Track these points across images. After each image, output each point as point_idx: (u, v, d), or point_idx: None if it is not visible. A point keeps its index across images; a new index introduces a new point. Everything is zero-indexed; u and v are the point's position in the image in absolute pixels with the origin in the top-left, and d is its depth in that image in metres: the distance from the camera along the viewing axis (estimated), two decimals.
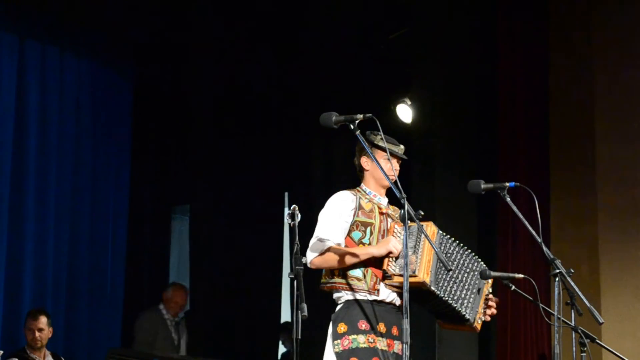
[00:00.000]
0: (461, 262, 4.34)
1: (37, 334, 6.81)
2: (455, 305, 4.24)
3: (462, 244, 4.40)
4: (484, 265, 4.43)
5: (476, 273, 4.37)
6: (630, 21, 6.78)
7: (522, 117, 7.01)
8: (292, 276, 3.93)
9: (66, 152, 7.97)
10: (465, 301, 4.30)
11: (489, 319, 4.52)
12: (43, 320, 6.83)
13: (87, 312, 8.02)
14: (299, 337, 3.84)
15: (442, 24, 7.33)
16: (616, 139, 6.68)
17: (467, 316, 4.31)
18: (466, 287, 4.31)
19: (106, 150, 8.38)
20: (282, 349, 9.06)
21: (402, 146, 4.50)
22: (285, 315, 9.05)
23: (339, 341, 4.20)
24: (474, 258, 4.40)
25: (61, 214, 7.85)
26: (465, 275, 4.32)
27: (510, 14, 7.13)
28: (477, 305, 4.37)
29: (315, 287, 4.37)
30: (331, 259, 4.21)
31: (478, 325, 4.42)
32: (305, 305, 3.82)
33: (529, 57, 7.04)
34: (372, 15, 7.75)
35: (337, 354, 4.19)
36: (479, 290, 4.39)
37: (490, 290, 4.50)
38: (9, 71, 7.55)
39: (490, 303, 4.48)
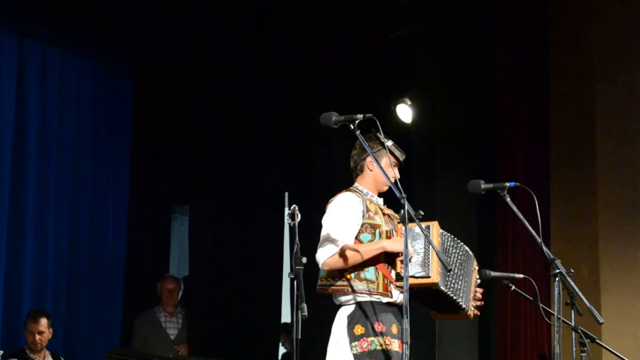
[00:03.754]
0: (456, 255, 4.37)
1: (38, 336, 6.79)
2: (455, 298, 4.27)
3: (454, 237, 4.42)
4: (470, 252, 4.45)
5: (465, 263, 4.39)
6: (630, 21, 6.78)
7: (522, 117, 7.02)
8: (292, 276, 3.94)
9: (66, 152, 7.97)
10: (461, 292, 4.32)
11: (481, 303, 4.52)
12: (43, 323, 6.81)
13: (87, 312, 8.02)
14: (299, 337, 3.84)
15: (442, 24, 7.32)
16: (616, 138, 6.69)
17: (463, 305, 4.33)
18: (460, 278, 4.34)
19: (106, 150, 8.38)
20: (282, 350, 9.06)
21: (404, 155, 4.53)
22: (285, 316, 9.05)
23: (356, 343, 4.19)
24: (463, 247, 4.43)
25: (61, 214, 7.85)
26: (459, 266, 4.36)
27: (510, 14, 7.13)
28: (469, 292, 4.40)
29: (314, 287, 4.36)
30: (345, 257, 4.17)
31: (471, 312, 4.44)
32: (305, 305, 3.82)
33: (529, 58, 7.04)
34: (372, 15, 7.75)
35: (355, 355, 4.17)
36: (469, 279, 4.41)
37: (478, 277, 4.51)
38: (9, 71, 7.54)
39: (477, 293, 4.50)
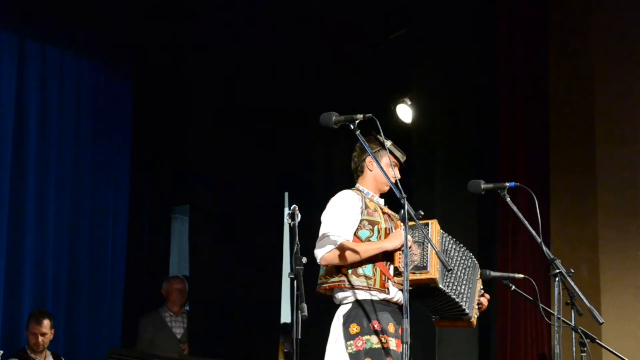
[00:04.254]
0: (458, 258, 4.37)
1: (41, 338, 6.79)
2: (457, 300, 4.26)
3: (457, 241, 4.42)
4: (476, 261, 4.46)
5: (470, 269, 4.39)
6: (630, 21, 6.78)
7: (522, 117, 7.01)
8: (292, 276, 3.94)
9: (66, 152, 7.97)
10: (464, 296, 4.32)
11: (483, 308, 4.54)
12: (46, 324, 6.81)
13: (87, 312, 8.01)
14: (299, 337, 3.84)
15: (442, 24, 7.32)
16: (616, 139, 6.69)
17: (467, 310, 4.33)
18: (464, 282, 4.34)
19: (106, 150, 8.38)
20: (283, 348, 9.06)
21: (405, 155, 4.54)
22: (285, 315, 9.04)
23: (352, 342, 4.19)
24: (468, 254, 4.44)
25: (61, 214, 7.85)
26: (463, 271, 4.36)
27: (510, 14, 7.13)
28: (473, 300, 4.40)
29: (314, 287, 4.37)
30: (343, 255, 4.18)
31: (474, 320, 4.44)
32: (305, 305, 3.82)
33: (529, 57, 7.04)
34: (372, 15, 7.75)
35: (350, 354, 4.18)
36: (473, 286, 4.41)
37: (482, 286, 4.52)
38: (9, 71, 7.54)
39: (482, 299, 4.51)
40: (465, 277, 4.36)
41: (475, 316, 4.45)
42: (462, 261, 4.38)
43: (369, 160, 4.44)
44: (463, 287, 4.33)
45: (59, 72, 7.96)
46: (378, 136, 4.29)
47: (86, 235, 8.09)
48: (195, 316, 8.29)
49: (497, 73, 7.18)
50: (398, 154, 4.48)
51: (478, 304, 4.49)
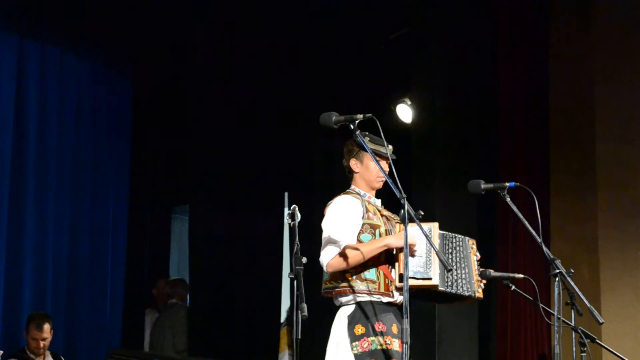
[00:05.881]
0: (454, 250, 4.34)
1: (42, 343, 6.77)
2: (459, 292, 4.26)
3: (449, 233, 4.39)
4: (464, 237, 4.41)
5: (461, 248, 4.36)
6: (630, 21, 6.78)
7: (522, 117, 7.01)
8: (292, 276, 3.94)
9: (66, 152, 7.97)
10: (463, 281, 4.29)
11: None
12: (47, 329, 6.77)
13: (87, 312, 8.02)
14: (299, 337, 3.84)
15: (442, 24, 7.32)
16: (616, 139, 6.69)
17: (468, 294, 4.30)
18: (458, 265, 4.31)
19: (106, 151, 8.38)
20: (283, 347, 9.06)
21: (390, 146, 4.47)
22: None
23: (357, 343, 4.19)
24: (453, 235, 4.39)
25: (61, 214, 7.85)
26: (453, 251, 4.33)
27: (510, 15, 7.13)
28: (471, 276, 4.35)
29: (316, 287, 4.36)
30: (349, 257, 4.17)
31: (479, 294, 4.40)
32: (305, 305, 3.82)
33: (529, 57, 7.04)
34: (372, 15, 7.75)
35: (356, 355, 4.17)
36: (468, 262, 4.37)
37: (478, 255, 4.46)
38: (9, 71, 7.55)
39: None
40: (458, 258, 4.34)
41: (480, 289, 4.41)
42: (452, 244, 4.36)
43: (352, 162, 4.48)
44: (461, 271, 4.30)
45: (59, 72, 7.97)
46: (358, 138, 4.20)
47: (86, 235, 8.09)
48: (195, 316, 8.29)
49: (497, 73, 7.18)
50: (378, 148, 4.39)
51: (478, 274, 4.44)
